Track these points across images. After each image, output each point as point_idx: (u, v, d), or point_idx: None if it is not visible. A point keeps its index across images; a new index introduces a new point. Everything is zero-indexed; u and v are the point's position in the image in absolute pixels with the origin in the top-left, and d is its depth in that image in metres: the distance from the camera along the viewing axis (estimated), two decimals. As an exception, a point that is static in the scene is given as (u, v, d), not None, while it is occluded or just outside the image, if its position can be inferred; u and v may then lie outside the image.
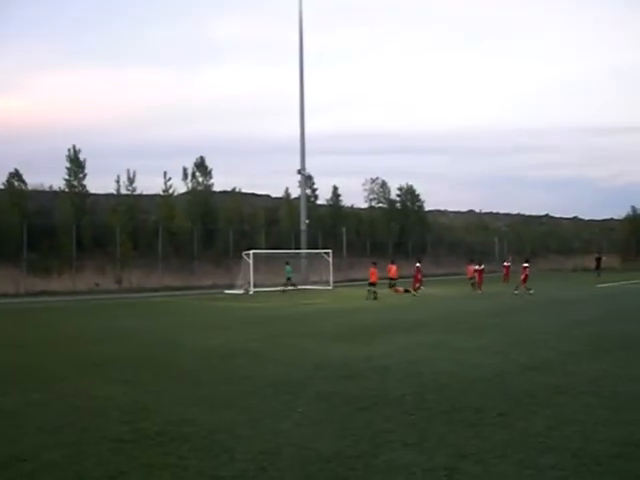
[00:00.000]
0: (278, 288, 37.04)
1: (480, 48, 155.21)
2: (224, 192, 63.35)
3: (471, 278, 34.20)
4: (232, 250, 46.50)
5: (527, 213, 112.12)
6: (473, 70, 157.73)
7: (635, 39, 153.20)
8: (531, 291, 30.31)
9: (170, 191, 55.37)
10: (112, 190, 53.45)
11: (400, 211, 71.95)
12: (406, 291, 33.06)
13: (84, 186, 51.43)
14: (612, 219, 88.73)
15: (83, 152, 51.05)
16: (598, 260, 52.24)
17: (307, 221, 48.27)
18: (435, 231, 75.36)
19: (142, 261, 44.51)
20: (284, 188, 66.27)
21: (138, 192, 53.57)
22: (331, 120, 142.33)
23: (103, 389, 9.68)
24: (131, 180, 52.82)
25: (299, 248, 47.27)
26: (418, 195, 73.99)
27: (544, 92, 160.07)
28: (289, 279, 37.76)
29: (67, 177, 50.84)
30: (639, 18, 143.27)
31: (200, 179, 57.16)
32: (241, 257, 39.10)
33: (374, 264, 31.47)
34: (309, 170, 53.75)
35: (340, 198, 68.34)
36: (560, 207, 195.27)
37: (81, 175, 51.07)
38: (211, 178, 57.52)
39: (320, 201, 66.42)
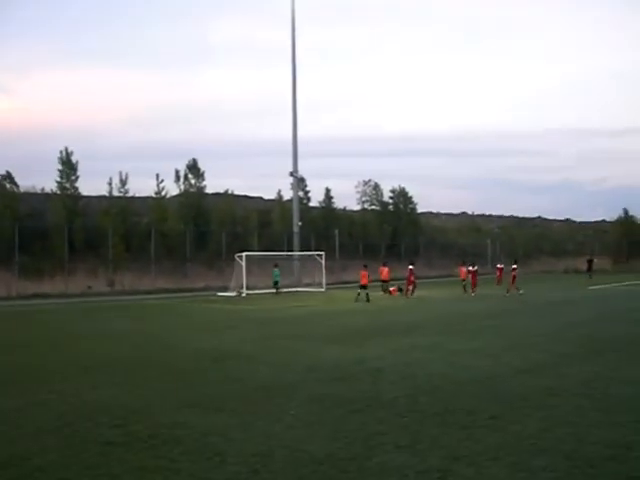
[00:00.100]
0: (271, 290, 37.00)
1: (474, 51, 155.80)
2: (217, 194, 63.19)
3: (463, 280, 34.25)
4: (225, 252, 46.39)
5: (520, 215, 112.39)
6: (467, 73, 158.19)
7: (627, 40, 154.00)
8: (521, 291, 31.31)
9: (162, 193, 55.18)
10: (104, 192, 53.24)
11: (393, 213, 71.94)
12: (399, 289, 33.11)
13: (76, 188, 51.14)
14: (604, 221, 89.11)
15: (75, 154, 50.86)
16: (590, 262, 52.42)
17: (300, 223, 48.21)
18: (428, 233, 75.37)
19: (134, 263, 44.34)
20: (277, 190, 66.22)
21: (130, 194, 53.35)
22: (324, 122, 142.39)
23: (94, 392, 9.63)
24: (123, 182, 52.61)
25: (292, 250, 47.21)
26: (411, 197, 74.00)
27: (537, 95, 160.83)
28: (276, 282, 37.64)
29: (59, 179, 50.55)
30: (637, 19, 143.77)
31: (192, 181, 56.96)
32: (234, 259, 39.00)
33: (365, 266, 31.42)
34: (302, 172, 53.70)
35: (333, 200, 68.31)
36: (552, 209, 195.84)
37: (73, 177, 50.77)
38: (203, 180, 57.34)
39: (313, 203, 66.39)
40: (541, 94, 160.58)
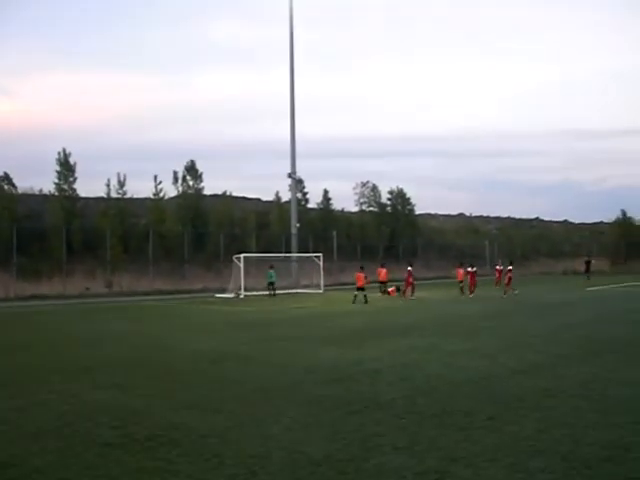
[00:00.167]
0: (268, 292, 37.00)
1: (472, 51, 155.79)
2: (215, 195, 63.15)
3: (461, 282, 34.25)
4: (223, 254, 46.39)
5: (517, 216, 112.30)
6: (465, 73, 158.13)
7: (626, 41, 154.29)
8: (516, 291, 31.68)
9: (161, 194, 55.13)
10: (102, 194, 53.19)
11: (391, 215, 71.96)
12: (397, 289, 33.13)
13: (74, 189, 51.09)
14: (602, 222, 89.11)
15: (73, 155, 50.84)
16: (588, 263, 52.46)
17: (298, 225, 48.23)
18: (426, 234, 75.38)
19: (132, 265, 44.33)
20: (275, 192, 66.20)
21: (128, 195, 53.28)
22: (322, 124, 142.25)
23: (93, 393, 9.64)
24: (121, 183, 52.56)
25: (290, 252, 47.21)
26: (409, 199, 74.02)
27: (536, 96, 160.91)
28: (271, 284, 37.62)
29: (57, 180, 50.51)
30: (636, 22, 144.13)
31: (191, 182, 56.91)
32: (232, 261, 38.99)
33: (361, 268, 31.38)
34: (300, 174, 53.75)
35: (331, 202, 68.29)
36: (550, 210, 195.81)
37: (71, 178, 50.72)
38: (202, 181, 57.28)
39: (311, 205, 66.37)
40: (539, 95, 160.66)
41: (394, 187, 73.84)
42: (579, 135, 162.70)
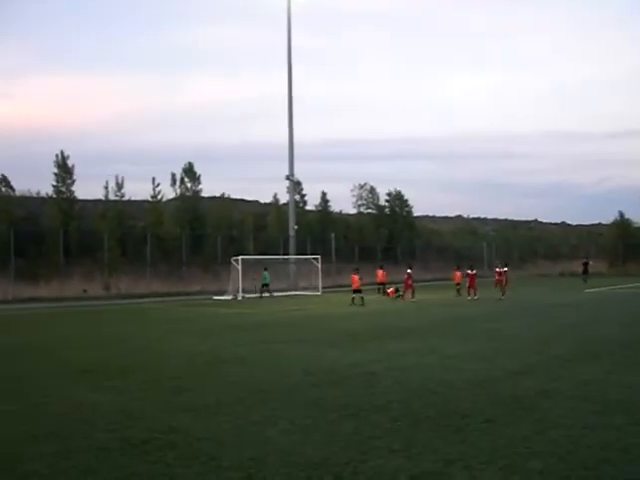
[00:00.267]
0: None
1: (470, 54, 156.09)
2: (213, 198, 63.20)
3: (458, 284, 34.24)
4: (221, 256, 46.44)
5: (515, 218, 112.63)
6: (463, 76, 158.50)
7: (623, 44, 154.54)
8: (500, 295, 31.42)
9: (158, 197, 55.18)
10: (100, 196, 53.26)
11: (389, 217, 72.02)
12: (396, 291, 33.12)
13: (72, 192, 51.11)
14: (600, 224, 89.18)
15: (71, 158, 50.85)
16: (585, 265, 52.45)
17: (296, 227, 48.25)
18: (424, 236, 75.48)
19: (130, 267, 44.34)
20: (273, 194, 66.32)
21: (126, 198, 53.35)
22: (320, 126, 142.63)
23: (89, 396, 9.62)
24: (119, 186, 52.62)
25: (288, 254, 47.23)
26: (406, 200, 74.15)
27: (531, 98, 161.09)
28: (266, 285, 37.61)
29: (55, 183, 50.56)
30: (631, 24, 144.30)
31: (189, 185, 56.98)
32: (230, 263, 39.01)
33: (356, 270, 31.32)
34: (298, 176, 53.87)
35: (329, 204, 68.41)
36: (548, 212, 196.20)
37: (69, 181, 50.75)
38: (200, 184, 57.36)
39: (309, 207, 66.49)
40: (537, 99, 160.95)
41: (392, 189, 74.01)
42: (577, 137, 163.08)
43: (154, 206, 54.39)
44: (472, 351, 13.68)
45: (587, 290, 38.10)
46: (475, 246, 72.37)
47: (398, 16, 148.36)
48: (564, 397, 8.93)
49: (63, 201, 50.13)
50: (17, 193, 51.35)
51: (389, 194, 73.40)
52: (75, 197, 51.69)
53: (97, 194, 53.91)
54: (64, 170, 50.49)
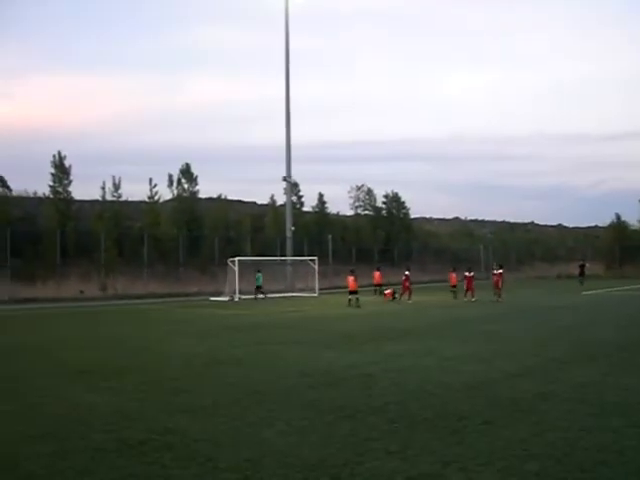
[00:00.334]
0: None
1: (468, 55, 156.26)
2: (210, 199, 63.14)
3: (454, 286, 34.23)
4: (217, 257, 46.39)
5: (512, 220, 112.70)
6: (460, 78, 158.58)
7: (622, 46, 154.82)
8: (497, 298, 31.34)
9: (155, 198, 55.07)
10: (97, 197, 53.15)
11: (386, 218, 72.00)
12: (393, 293, 33.10)
13: (69, 192, 50.98)
14: (596, 226, 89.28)
15: (68, 158, 50.75)
16: (582, 267, 52.46)
17: (293, 228, 48.25)
18: (421, 238, 75.48)
19: (127, 268, 44.27)
20: (270, 195, 66.25)
21: (123, 199, 53.23)
22: (317, 128, 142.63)
23: (86, 397, 9.60)
24: (116, 186, 52.52)
25: (285, 255, 47.22)
26: (404, 202, 74.10)
27: (531, 100, 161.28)
28: (259, 287, 37.60)
29: (52, 183, 50.44)
30: (630, 26, 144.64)
31: (186, 186, 56.87)
32: (227, 264, 38.98)
33: (352, 271, 31.31)
34: (295, 177, 53.85)
35: (326, 205, 68.34)
36: (545, 215, 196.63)
37: (66, 181, 50.62)
38: (197, 185, 57.24)
39: (306, 208, 66.41)
40: (534, 99, 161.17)
41: (389, 191, 74.00)
42: (574, 139, 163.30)
43: (151, 207, 54.31)
44: (470, 353, 13.68)
45: (584, 292, 38.13)
46: (472, 248, 72.37)
47: (395, 14, 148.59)
48: (561, 399, 8.93)
49: (60, 201, 50.01)
50: (14, 193, 51.25)
51: (386, 196, 73.42)
52: (72, 197, 51.57)
53: (94, 194, 53.92)
54: (61, 170, 50.38)
